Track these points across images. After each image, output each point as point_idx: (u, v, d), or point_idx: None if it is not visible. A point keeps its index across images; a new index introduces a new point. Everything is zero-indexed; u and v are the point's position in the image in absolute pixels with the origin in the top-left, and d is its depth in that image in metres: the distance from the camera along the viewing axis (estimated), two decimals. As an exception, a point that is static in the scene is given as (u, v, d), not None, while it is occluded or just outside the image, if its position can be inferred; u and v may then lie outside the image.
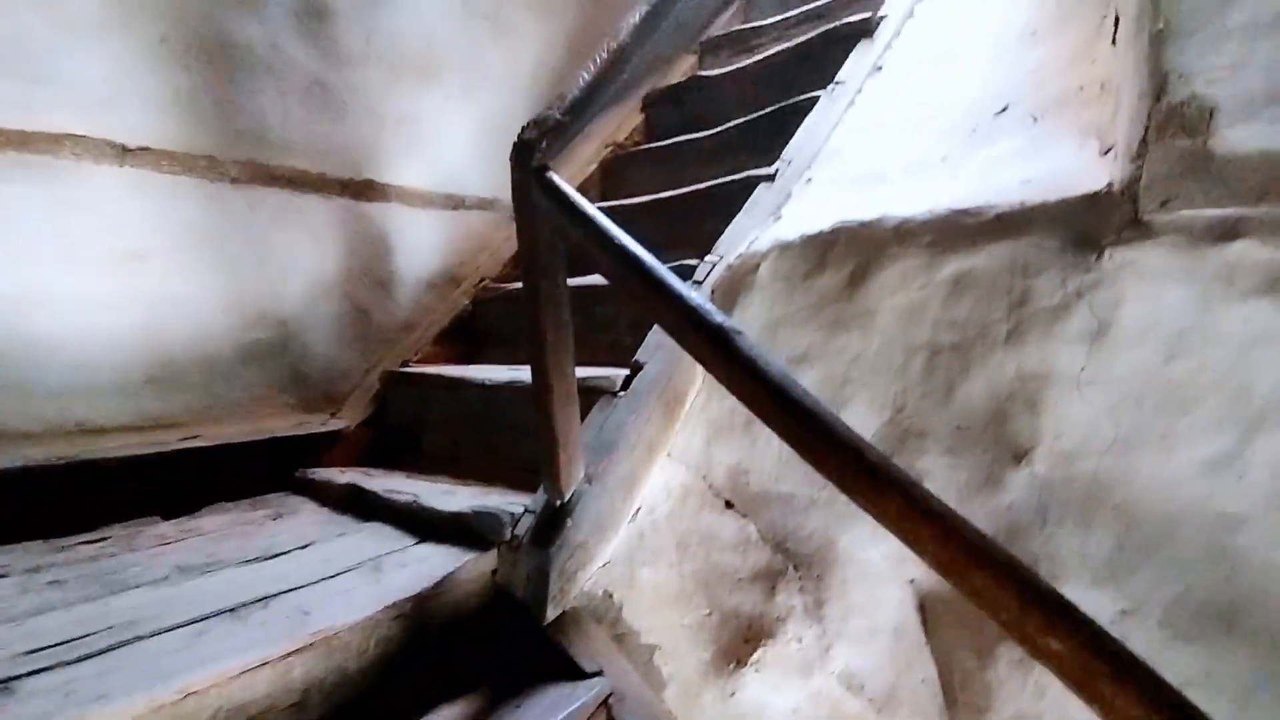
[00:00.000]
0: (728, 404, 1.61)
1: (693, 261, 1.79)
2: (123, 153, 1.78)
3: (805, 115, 2.09)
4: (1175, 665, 1.02)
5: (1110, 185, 1.20)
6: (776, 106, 2.24)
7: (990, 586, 0.78)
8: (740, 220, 1.85)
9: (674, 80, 2.95)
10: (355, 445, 2.12)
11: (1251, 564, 1.00)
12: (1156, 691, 0.67)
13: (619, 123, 2.88)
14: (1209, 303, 1.05)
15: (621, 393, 1.63)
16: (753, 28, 2.93)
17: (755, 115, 2.30)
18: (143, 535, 1.67)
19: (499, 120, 2.56)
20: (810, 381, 1.51)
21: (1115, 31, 1.56)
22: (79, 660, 1.09)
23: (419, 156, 2.41)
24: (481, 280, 2.52)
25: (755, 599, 1.47)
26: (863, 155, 1.86)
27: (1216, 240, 1.04)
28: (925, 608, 1.36)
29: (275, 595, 1.30)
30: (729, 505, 1.60)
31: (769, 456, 1.55)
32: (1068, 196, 1.25)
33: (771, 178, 1.94)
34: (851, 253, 1.51)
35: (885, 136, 1.87)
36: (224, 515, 1.77)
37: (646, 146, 2.75)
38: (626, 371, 1.66)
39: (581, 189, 2.62)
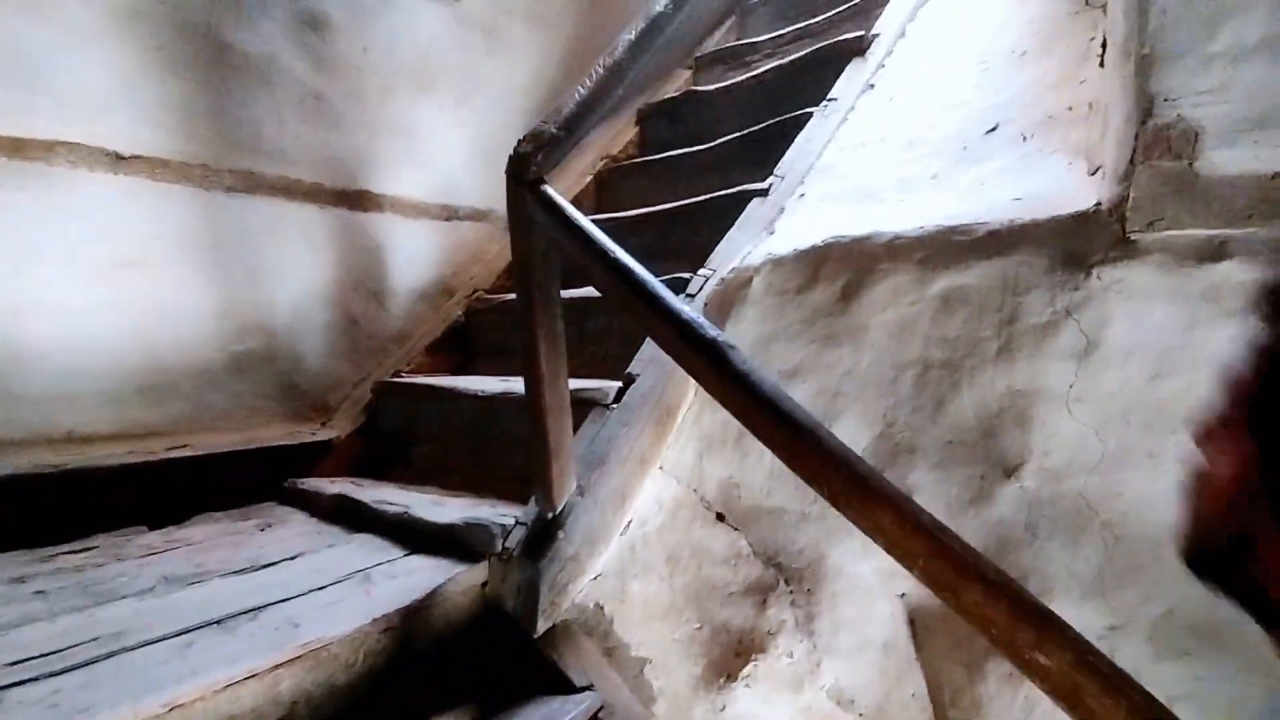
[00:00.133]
0: (720, 417, 1.61)
1: (686, 275, 1.80)
2: (116, 160, 1.78)
3: (798, 131, 2.11)
4: (1163, 681, 1.02)
5: (1099, 205, 1.21)
6: (770, 122, 2.26)
7: (980, 602, 0.78)
8: (733, 234, 1.86)
9: (669, 94, 2.97)
10: (346, 455, 2.11)
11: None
12: (1144, 707, 0.68)
13: (614, 135, 2.89)
14: (1195, 322, 1.06)
15: (614, 405, 1.63)
16: (747, 44, 2.96)
17: (749, 130, 2.32)
18: (129, 545, 1.65)
19: (494, 132, 2.57)
20: (802, 396, 1.52)
21: (1103, 54, 1.59)
22: (65, 671, 1.07)
23: (414, 167, 2.41)
24: (475, 291, 2.52)
25: (746, 613, 1.47)
26: (855, 171, 1.88)
27: (1202, 260, 1.05)
28: (915, 622, 1.37)
29: (263, 607, 1.29)
30: (720, 519, 1.60)
31: (761, 470, 1.56)
32: (1057, 215, 1.26)
33: (765, 192, 1.96)
34: (844, 268, 1.53)
35: (878, 153, 1.89)
36: (212, 525, 1.76)
37: (641, 159, 2.77)
38: (619, 384, 1.66)
39: (576, 201, 2.65)
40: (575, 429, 1.52)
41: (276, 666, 1.12)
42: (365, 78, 2.26)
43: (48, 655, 1.12)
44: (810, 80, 2.32)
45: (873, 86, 2.16)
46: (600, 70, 1.40)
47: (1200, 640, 1.01)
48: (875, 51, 2.22)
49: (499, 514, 1.52)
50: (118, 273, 1.79)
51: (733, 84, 2.66)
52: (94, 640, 1.17)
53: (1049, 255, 1.27)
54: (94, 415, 1.78)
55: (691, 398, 1.71)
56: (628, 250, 1.21)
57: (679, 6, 1.52)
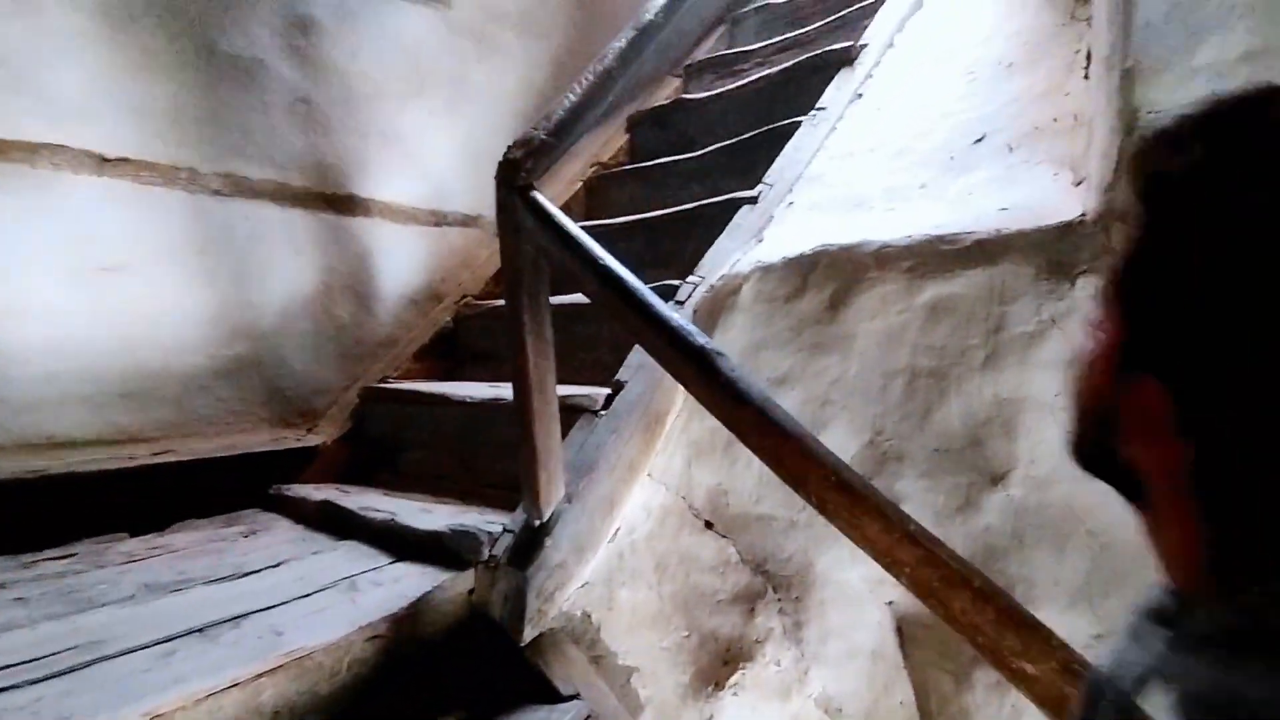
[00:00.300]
0: (708, 424, 1.61)
1: (675, 282, 1.80)
2: (101, 163, 1.76)
3: (787, 140, 2.12)
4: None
5: (1084, 215, 1.23)
6: (759, 130, 2.27)
7: (967, 610, 0.79)
8: (722, 242, 1.87)
9: (659, 102, 2.98)
10: (332, 462, 2.09)
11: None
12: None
13: (604, 142, 2.90)
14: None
15: (603, 412, 1.62)
16: (737, 53, 2.97)
17: (738, 138, 2.33)
18: (111, 552, 1.63)
19: (484, 137, 2.57)
20: (791, 403, 1.52)
21: (1087, 66, 1.61)
22: (46, 679, 1.06)
23: (403, 172, 2.40)
24: (463, 297, 2.51)
25: (734, 621, 1.47)
26: (844, 180, 1.89)
27: (1185, 271, 1.06)
28: (903, 630, 1.37)
29: (246, 615, 1.27)
30: (709, 526, 1.60)
31: (749, 478, 1.56)
32: (1043, 225, 1.27)
33: (754, 200, 1.96)
34: (832, 276, 1.53)
35: (866, 163, 1.91)
36: (195, 532, 1.74)
37: (631, 167, 2.77)
38: (608, 391, 1.66)
39: (566, 207, 2.64)
40: (564, 436, 1.51)
41: (259, 676, 1.11)
42: (354, 82, 2.25)
43: (28, 663, 1.11)
44: (799, 89, 2.33)
45: (861, 96, 2.17)
46: (590, 77, 1.41)
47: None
48: (863, 62, 2.24)
49: (486, 521, 1.52)
50: (102, 276, 1.77)
51: (723, 92, 2.67)
52: (75, 648, 1.16)
53: (1035, 265, 1.28)
54: (76, 420, 1.76)
55: (680, 404, 1.71)
56: (617, 257, 1.21)
57: (669, 15, 1.53)
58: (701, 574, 1.53)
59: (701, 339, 1.05)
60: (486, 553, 1.42)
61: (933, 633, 1.31)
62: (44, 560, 1.56)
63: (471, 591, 1.42)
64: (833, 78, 2.24)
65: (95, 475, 1.71)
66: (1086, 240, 1.21)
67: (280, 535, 1.70)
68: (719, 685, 1.42)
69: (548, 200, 1.27)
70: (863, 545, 0.90)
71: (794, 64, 2.45)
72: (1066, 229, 1.24)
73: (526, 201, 1.27)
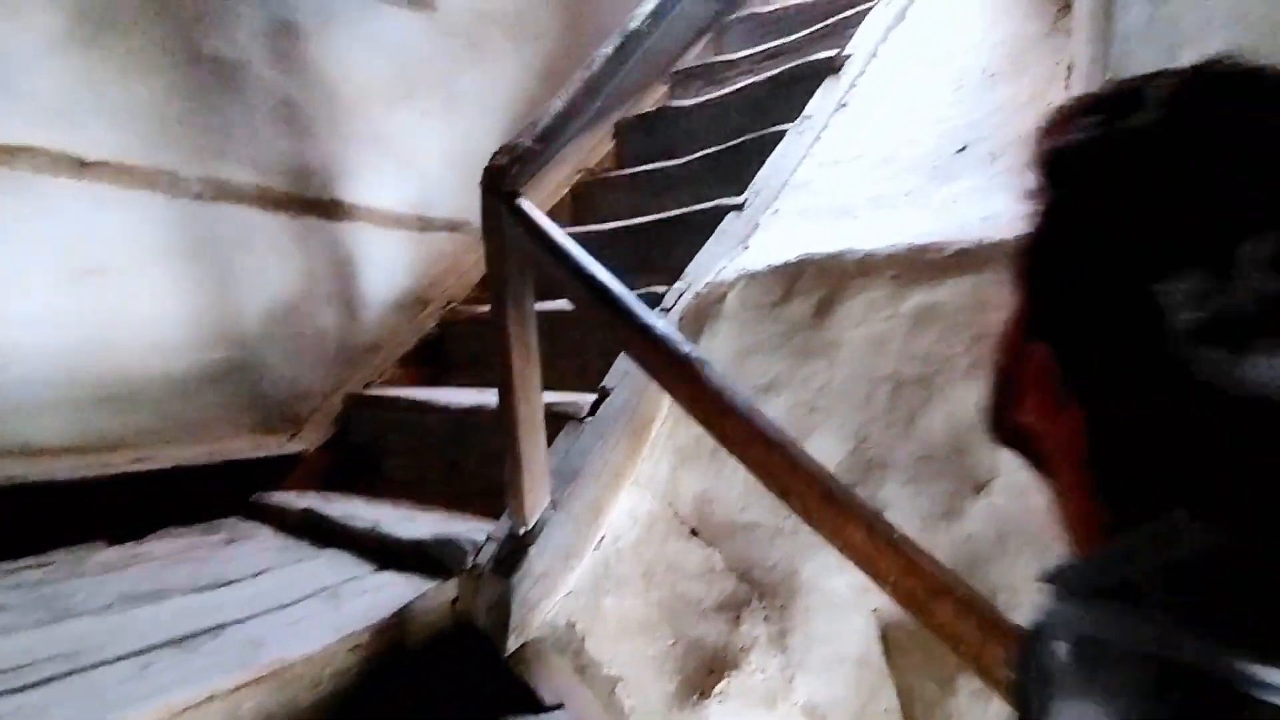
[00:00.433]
0: (694, 431, 1.61)
1: (661, 289, 1.80)
2: (81, 166, 1.74)
3: (773, 147, 2.12)
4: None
5: (1065, 225, 1.23)
6: (745, 138, 2.28)
7: (950, 619, 0.79)
8: (709, 248, 1.87)
9: (646, 109, 2.98)
10: (315, 468, 2.07)
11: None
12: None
13: (591, 149, 2.90)
14: (1158, 340, 1.08)
15: (588, 418, 1.62)
16: (723, 61, 2.98)
17: (724, 146, 2.33)
18: (89, 561, 1.61)
19: (471, 142, 2.56)
20: (777, 409, 1.52)
21: (1069, 77, 1.63)
22: (25, 689, 1.05)
23: (389, 177, 2.39)
24: (449, 302, 2.50)
25: (720, 629, 1.47)
26: (829, 189, 1.90)
27: (1164, 280, 1.08)
28: (888, 637, 1.37)
29: (225, 625, 1.26)
30: (694, 533, 1.60)
31: (735, 485, 1.56)
32: (1025, 234, 1.28)
33: (740, 207, 1.97)
34: (818, 284, 1.54)
35: (851, 171, 1.92)
36: (174, 541, 1.72)
37: (618, 173, 2.78)
38: (594, 397, 1.65)
39: (553, 213, 2.63)
40: (549, 442, 1.51)
41: (238, 687, 1.09)
42: (339, 85, 2.24)
43: (7, 672, 1.09)
44: (785, 97, 2.34)
45: (846, 105, 2.18)
46: (577, 84, 1.41)
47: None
48: (848, 71, 2.25)
49: (471, 529, 1.50)
50: (80, 280, 1.75)
51: (709, 100, 2.68)
52: (54, 658, 1.14)
53: (1017, 273, 1.28)
54: (54, 426, 1.73)
55: (666, 411, 1.70)
56: (604, 263, 1.21)
57: (655, 23, 1.54)
58: (687, 582, 1.53)
59: (687, 347, 1.05)
60: (470, 561, 1.41)
61: (917, 639, 1.31)
62: (22, 569, 1.54)
63: (455, 601, 1.41)
64: (818, 86, 2.25)
65: (73, 483, 1.68)
66: (1068, 249, 1.22)
67: (261, 544, 1.68)
68: (704, 694, 1.41)
69: (533, 207, 1.27)
70: (847, 554, 0.90)
71: (780, 72, 2.46)
72: (1048, 238, 1.25)
73: (512, 209, 1.27)
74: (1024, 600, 1.18)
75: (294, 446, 2.05)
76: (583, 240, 1.33)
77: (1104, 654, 0.34)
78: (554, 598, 1.45)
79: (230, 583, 1.44)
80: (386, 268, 2.39)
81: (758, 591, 1.50)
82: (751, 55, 2.85)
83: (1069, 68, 1.66)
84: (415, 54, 2.43)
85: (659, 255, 2.06)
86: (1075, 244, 0.39)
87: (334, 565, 1.52)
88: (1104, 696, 0.33)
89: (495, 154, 1.30)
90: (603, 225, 2.31)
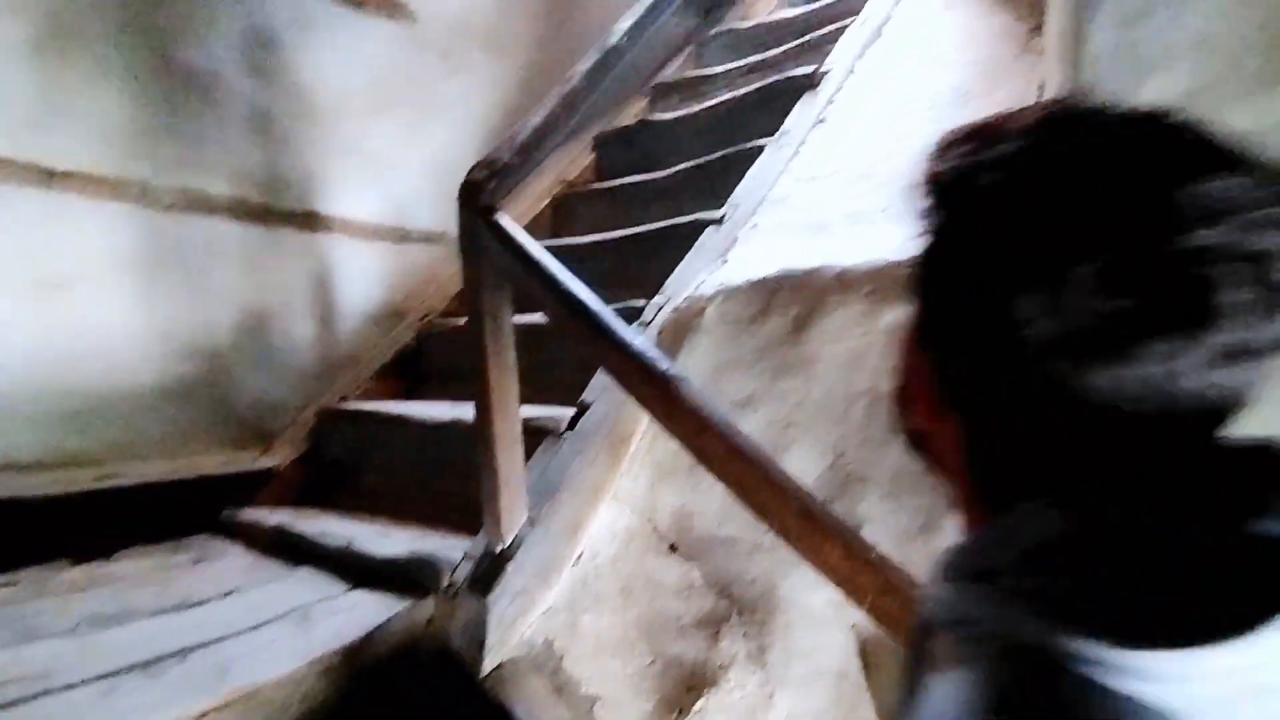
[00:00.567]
0: (673, 446, 1.59)
1: (640, 303, 1.79)
2: (48, 177, 1.70)
3: (752, 162, 2.14)
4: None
5: (1037, 243, 1.25)
6: (725, 152, 2.29)
7: (927, 639, 0.79)
8: (688, 263, 1.87)
9: (625, 122, 2.99)
10: (288, 484, 2.03)
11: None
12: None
13: (571, 161, 2.90)
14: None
15: (567, 433, 1.61)
16: (703, 75, 3.00)
17: (704, 160, 2.34)
18: (53, 581, 1.57)
19: (449, 154, 2.54)
20: (755, 425, 1.52)
21: (1040, 97, 1.66)
22: (-12, 712, 1.01)
23: (366, 188, 2.37)
24: (426, 314, 2.47)
25: (699, 646, 1.46)
26: (807, 204, 1.91)
27: (1134, 299, 1.09)
28: (866, 651, 1.37)
29: (192, 648, 1.23)
30: (673, 549, 1.59)
31: (714, 499, 1.55)
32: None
33: (719, 222, 1.97)
34: (795, 299, 1.54)
35: (828, 187, 1.94)
36: (141, 560, 1.67)
37: (598, 185, 2.78)
38: (573, 411, 1.64)
39: (532, 225, 2.63)
40: (528, 457, 1.49)
41: (205, 713, 1.07)
42: (317, 97, 2.22)
43: (-29, 693, 1.06)
44: (763, 112, 2.36)
45: (824, 121, 2.20)
46: (556, 100, 1.41)
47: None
48: (826, 87, 2.27)
49: (447, 546, 1.49)
50: (46, 293, 1.71)
51: (688, 114, 2.69)
52: (19, 680, 1.12)
53: (992, 290, 1.30)
54: (17, 442, 1.68)
55: (645, 425, 1.70)
56: (582, 277, 1.20)
57: (634, 39, 1.54)
58: (666, 598, 1.52)
59: (665, 364, 1.05)
60: (446, 580, 1.39)
61: (895, 655, 1.31)
62: (-16, 589, 1.49)
63: (430, 620, 1.39)
64: (796, 102, 2.27)
65: (38, 500, 1.64)
66: (1040, 267, 1.23)
67: (231, 563, 1.64)
68: (683, 712, 1.40)
69: (511, 222, 1.26)
70: (825, 572, 0.90)
71: (759, 87, 2.48)
72: (1021, 256, 1.26)
73: (489, 224, 1.26)
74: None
75: (266, 462, 2.02)
76: (562, 253, 1.33)
77: (969, 633, 0.37)
78: (531, 616, 1.43)
79: (198, 604, 1.41)
80: (363, 280, 2.37)
81: (737, 607, 1.49)
82: (731, 70, 2.87)
83: (1041, 88, 1.69)
84: (393, 65, 2.42)
85: (638, 268, 2.06)
86: (948, 262, 0.43)
87: (306, 584, 1.49)
88: (964, 671, 0.35)
89: (473, 168, 1.29)
90: (582, 238, 2.30)
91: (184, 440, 1.94)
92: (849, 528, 0.90)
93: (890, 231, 1.63)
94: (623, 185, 2.59)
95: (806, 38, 2.68)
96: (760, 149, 2.17)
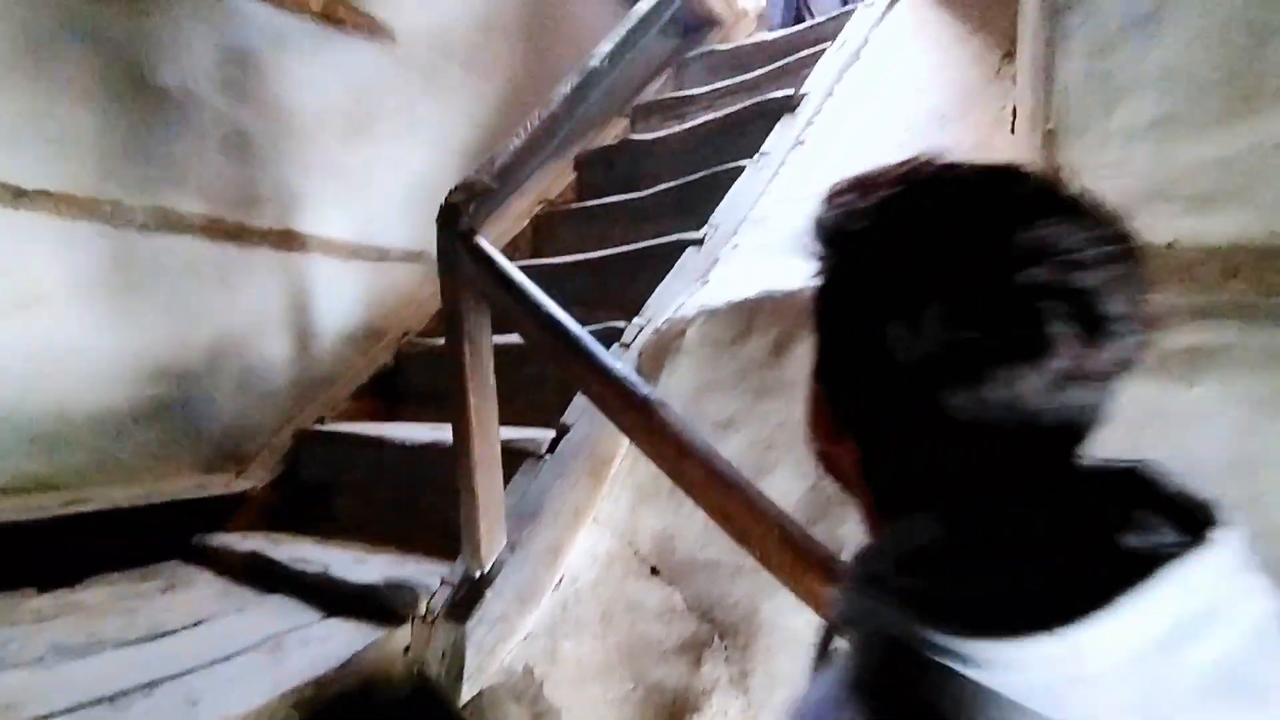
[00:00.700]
0: (654, 468, 1.59)
1: (620, 324, 1.79)
2: (17, 195, 1.67)
3: (732, 183, 2.15)
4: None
5: (1012, 266, 1.27)
6: (705, 173, 2.31)
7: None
8: (668, 283, 1.87)
9: (606, 142, 3.01)
10: (262, 508, 1.99)
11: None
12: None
13: (552, 180, 2.90)
14: (1103, 381, 1.11)
15: (547, 455, 1.59)
16: (683, 96, 3.03)
17: (684, 180, 2.36)
18: (20, 609, 1.52)
19: (429, 173, 2.54)
20: (736, 447, 1.52)
21: (1014, 121, 1.69)
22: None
23: (344, 207, 2.35)
24: (406, 334, 2.45)
25: (681, 671, 1.44)
26: (787, 224, 1.92)
27: (1108, 323, 1.11)
28: (848, 676, 1.36)
29: (160, 681, 1.19)
30: (655, 572, 1.57)
31: (695, 522, 1.54)
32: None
33: (699, 242, 1.98)
34: (775, 321, 1.55)
35: (808, 207, 1.94)
36: (108, 588, 1.63)
37: (578, 205, 2.78)
38: (553, 433, 1.63)
39: (513, 244, 2.62)
40: (508, 479, 1.48)
41: (171, 751, 1.03)
42: (295, 116, 2.20)
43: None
44: (743, 134, 2.38)
45: (803, 142, 2.23)
46: (536, 122, 1.41)
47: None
48: (804, 109, 2.30)
49: (424, 571, 1.46)
50: (13, 314, 1.67)
51: (669, 134, 2.71)
52: (-18, 714, 1.07)
53: (968, 313, 1.31)
54: (-21, 467, 1.64)
55: (626, 447, 1.69)
56: (564, 296, 1.20)
57: (614, 62, 1.55)
58: (647, 623, 1.50)
59: (645, 389, 1.04)
60: (424, 607, 1.37)
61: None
62: (-54, 620, 1.44)
63: (407, 648, 1.36)
64: (776, 124, 2.30)
65: (2, 527, 1.59)
66: (1016, 291, 1.25)
67: (202, 590, 1.60)
68: (665, 738, 1.38)
69: (490, 245, 1.26)
70: (805, 598, 0.89)
71: (738, 109, 2.50)
72: (997, 279, 1.28)
73: (468, 246, 1.25)
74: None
75: (240, 485, 1.98)
76: (543, 273, 1.33)
77: (856, 630, 0.41)
78: (511, 642, 1.41)
79: (167, 633, 1.37)
80: (341, 299, 2.34)
81: (719, 631, 1.48)
82: (711, 91, 2.90)
83: (1013, 112, 1.72)
84: (373, 84, 2.41)
85: (619, 288, 2.06)
86: (833, 299, 0.48)
87: (279, 613, 1.46)
88: (843, 664, 0.40)
89: (452, 191, 1.28)
90: (563, 258, 2.30)
91: (155, 464, 1.90)
92: (830, 553, 0.89)
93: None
94: (603, 205, 2.59)
95: (785, 60, 2.71)
96: (740, 170, 2.19)
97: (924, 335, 0.39)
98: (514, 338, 1.81)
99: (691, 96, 2.98)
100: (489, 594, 1.36)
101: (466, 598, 1.35)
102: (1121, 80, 1.10)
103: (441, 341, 2.22)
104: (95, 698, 1.15)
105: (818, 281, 0.49)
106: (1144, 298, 0.41)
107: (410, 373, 2.36)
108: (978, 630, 0.36)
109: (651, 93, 3.25)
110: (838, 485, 0.54)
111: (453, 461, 1.41)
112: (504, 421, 1.47)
